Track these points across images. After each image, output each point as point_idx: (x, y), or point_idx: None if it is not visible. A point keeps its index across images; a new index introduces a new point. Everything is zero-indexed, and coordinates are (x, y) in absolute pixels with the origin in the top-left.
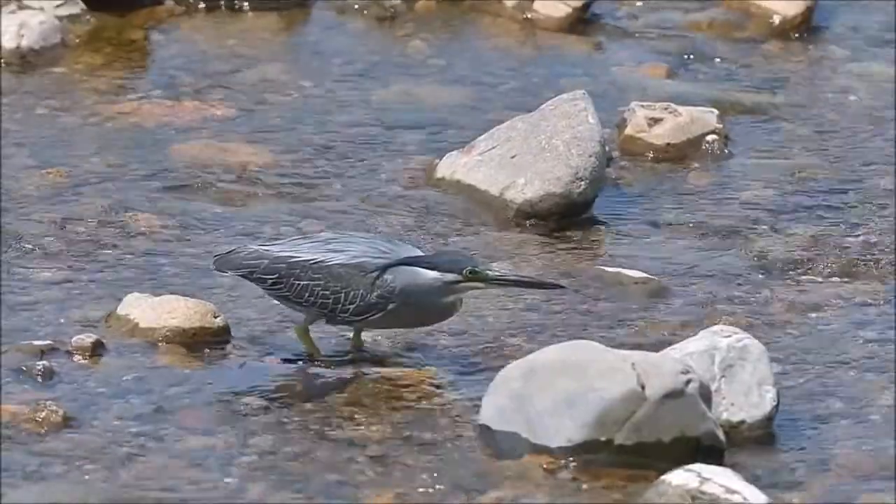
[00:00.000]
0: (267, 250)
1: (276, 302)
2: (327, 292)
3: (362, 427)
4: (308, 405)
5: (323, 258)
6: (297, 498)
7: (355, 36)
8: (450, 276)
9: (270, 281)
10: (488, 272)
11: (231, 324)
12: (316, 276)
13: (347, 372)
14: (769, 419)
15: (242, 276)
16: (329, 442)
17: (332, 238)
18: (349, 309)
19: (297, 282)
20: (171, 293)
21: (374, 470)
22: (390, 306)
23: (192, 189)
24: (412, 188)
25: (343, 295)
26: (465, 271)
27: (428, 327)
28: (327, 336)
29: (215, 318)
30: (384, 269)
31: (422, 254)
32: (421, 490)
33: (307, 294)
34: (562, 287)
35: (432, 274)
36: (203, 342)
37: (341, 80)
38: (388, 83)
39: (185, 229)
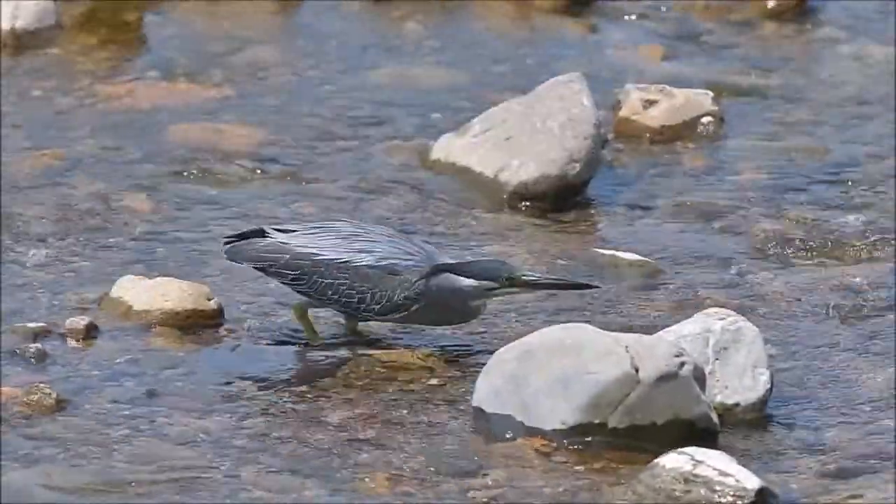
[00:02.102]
0: (285, 244)
1: (273, 286)
2: (353, 292)
3: (356, 409)
4: (301, 388)
5: (350, 258)
6: (290, 480)
7: (350, 18)
8: (487, 284)
9: (291, 276)
10: (524, 276)
11: (225, 306)
12: (342, 275)
13: (341, 354)
14: (763, 402)
15: (258, 268)
16: (322, 424)
17: (354, 234)
18: (374, 309)
19: (321, 279)
20: (165, 275)
21: (367, 452)
22: (415, 307)
23: (187, 171)
24: (407, 170)
25: (370, 296)
26: (502, 278)
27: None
28: (320, 318)
29: (209, 300)
30: (427, 276)
31: (452, 261)
32: (414, 472)
33: (331, 292)
34: (597, 287)
35: (468, 281)
36: (197, 325)
37: (336, 61)
38: (382, 65)
39: (180, 211)
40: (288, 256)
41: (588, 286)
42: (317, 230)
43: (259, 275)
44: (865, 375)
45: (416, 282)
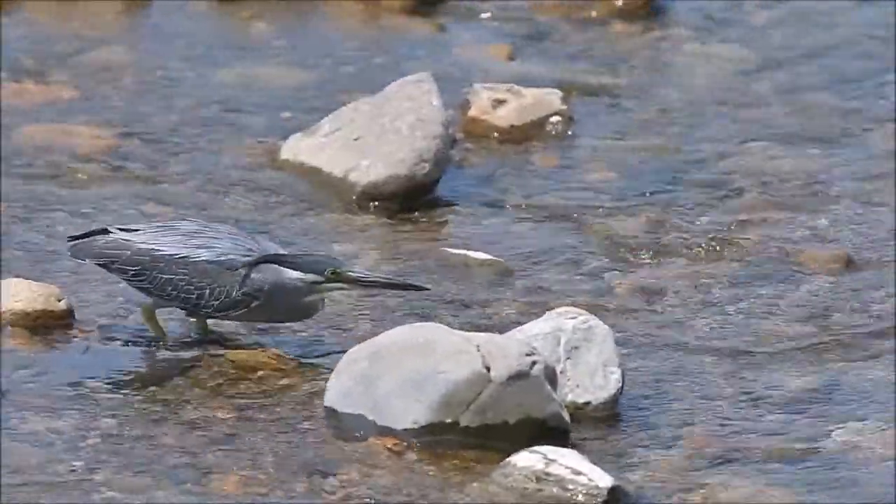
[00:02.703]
0: (128, 240)
1: (122, 286)
2: (191, 287)
3: (207, 409)
4: (153, 388)
5: (188, 254)
6: (142, 481)
7: (198, 18)
8: (312, 277)
9: (132, 272)
10: (350, 273)
11: (75, 307)
12: (181, 270)
13: (192, 354)
14: (614, 400)
15: (101, 265)
16: (174, 424)
17: (196, 231)
18: (213, 305)
19: (161, 275)
20: (15, 276)
21: (219, 452)
22: (254, 304)
23: (36, 172)
24: (256, 170)
25: (208, 291)
26: (327, 272)
27: (289, 323)
28: (172, 318)
29: (59, 301)
30: (250, 266)
31: (284, 252)
32: (266, 472)
33: (170, 288)
34: (426, 289)
35: (295, 274)
36: (47, 325)
37: (184, 62)
38: (230, 65)
39: (29, 212)
40: (129, 253)
41: (417, 287)
42: (160, 228)
43: (110, 275)
44: (716, 373)
45: (238, 269)
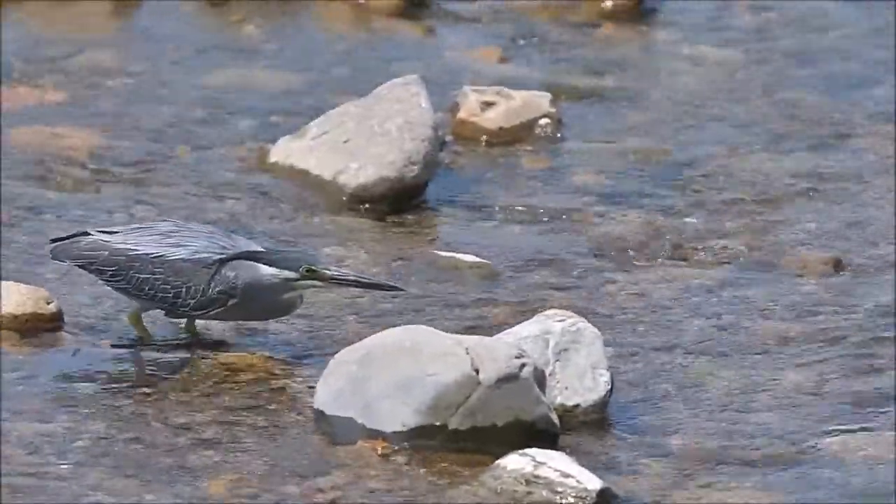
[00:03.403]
0: (106, 241)
1: (110, 289)
2: (168, 286)
3: (197, 412)
4: (142, 390)
5: (164, 252)
6: (132, 483)
7: (187, 21)
8: (286, 274)
9: (109, 273)
10: (326, 271)
11: (64, 310)
12: (157, 269)
13: (181, 357)
14: (603, 403)
15: (80, 266)
16: (164, 427)
17: (173, 231)
18: (190, 303)
19: (137, 275)
20: (4, 279)
21: (209, 454)
22: (231, 302)
23: (25, 174)
24: (245, 173)
25: (184, 290)
26: (301, 269)
27: (267, 321)
28: (162, 322)
29: (48, 304)
30: (222, 262)
31: (260, 249)
32: (255, 475)
33: (147, 287)
34: (400, 290)
35: (270, 270)
36: (36, 328)
37: (173, 64)
38: (220, 68)
39: (18, 215)
40: (106, 253)
41: (392, 287)
42: (138, 229)
43: (97, 278)
44: (707, 376)
45: (210, 265)
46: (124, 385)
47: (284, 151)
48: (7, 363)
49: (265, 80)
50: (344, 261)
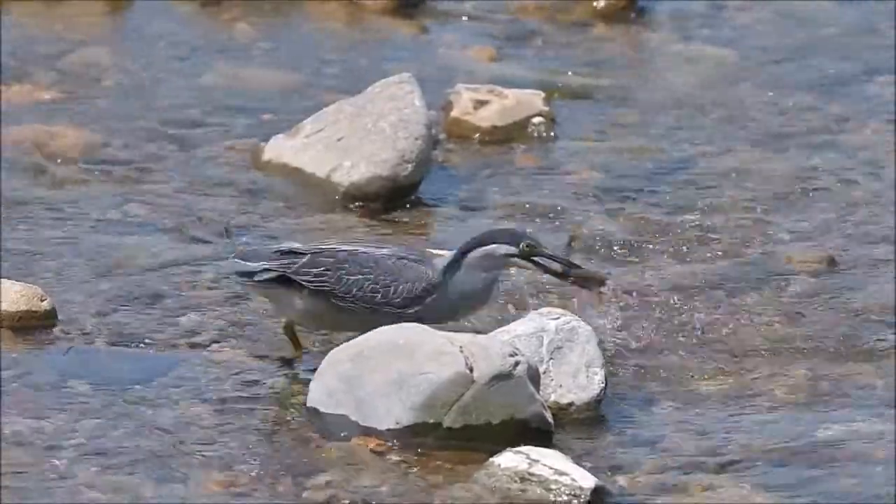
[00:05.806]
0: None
1: (107, 286)
2: (377, 286)
3: (190, 410)
4: (135, 388)
5: (372, 251)
6: (126, 481)
7: (181, 19)
8: (506, 249)
9: (313, 274)
10: (545, 249)
11: (58, 307)
12: (365, 269)
13: (175, 354)
14: (597, 401)
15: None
16: (158, 425)
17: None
18: (396, 301)
19: (348, 277)
20: None
21: (202, 452)
22: (429, 300)
23: (20, 172)
24: (239, 171)
25: (392, 288)
26: (522, 245)
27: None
28: (153, 314)
29: (42, 301)
30: (463, 254)
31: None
32: (250, 473)
33: (356, 289)
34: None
35: (497, 246)
36: (30, 326)
37: (167, 63)
38: (214, 66)
39: (12, 213)
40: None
41: (602, 282)
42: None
43: (92, 276)
44: (700, 373)
45: (416, 260)
46: (117, 383)
47: (278, 150)
48: (1, 360)
49: (258, 78)
50: None
